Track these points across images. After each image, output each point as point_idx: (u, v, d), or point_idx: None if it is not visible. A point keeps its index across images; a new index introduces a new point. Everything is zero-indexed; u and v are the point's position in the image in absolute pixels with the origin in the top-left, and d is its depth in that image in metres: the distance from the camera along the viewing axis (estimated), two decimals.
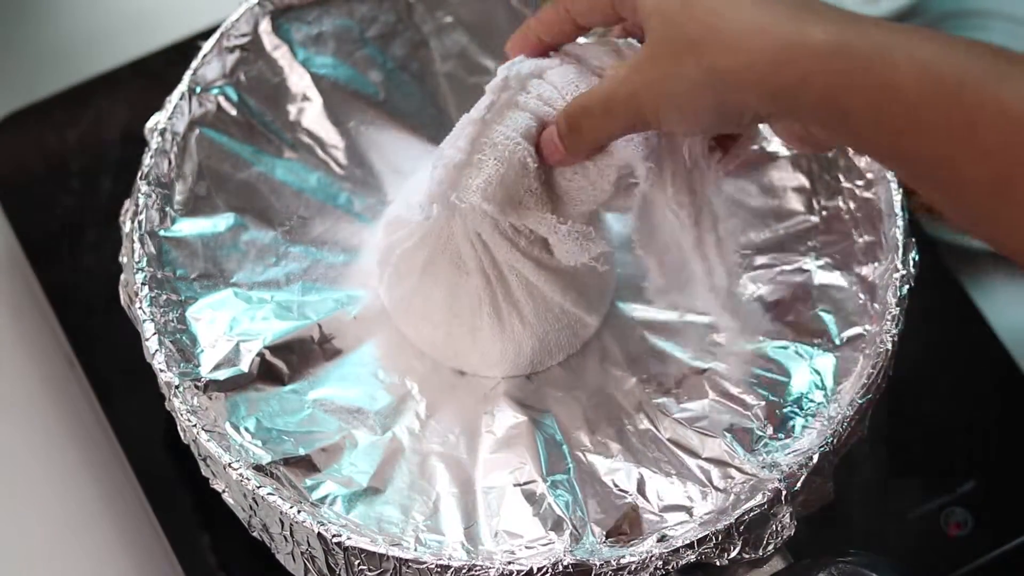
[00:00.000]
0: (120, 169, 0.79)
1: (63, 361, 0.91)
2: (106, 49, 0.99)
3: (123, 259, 0.76)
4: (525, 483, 0.74)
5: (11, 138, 0.95)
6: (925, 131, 0.60)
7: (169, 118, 0.79)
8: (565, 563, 0.68)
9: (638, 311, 0.79)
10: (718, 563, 0.69)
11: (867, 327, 0.76)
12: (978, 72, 0.59)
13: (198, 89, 0.80)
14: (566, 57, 0.73)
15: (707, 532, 0.69)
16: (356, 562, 0.69)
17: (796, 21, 0.63)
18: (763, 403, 0.75)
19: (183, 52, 0.86)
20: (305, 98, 0.82)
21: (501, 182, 0.71)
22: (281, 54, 0.82)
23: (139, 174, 0.77)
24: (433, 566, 0.68)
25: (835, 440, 0.72)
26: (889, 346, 0.74)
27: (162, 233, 0.77)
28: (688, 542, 0.69)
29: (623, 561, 0.68)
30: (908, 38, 0.61)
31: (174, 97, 0.79)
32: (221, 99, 0.80)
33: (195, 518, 0.85)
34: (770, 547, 0.70)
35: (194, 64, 0.80)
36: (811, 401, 0.75)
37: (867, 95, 0.61)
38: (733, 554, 0.70)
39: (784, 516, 0.70)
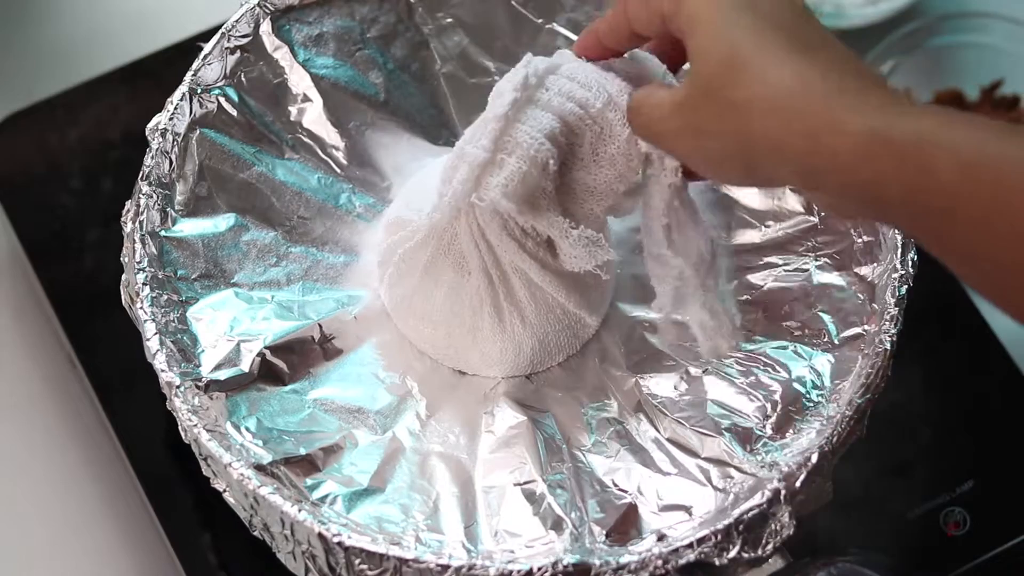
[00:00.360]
0: (120, 169, 0.79)
1: (64, 361, 0.91)
2: (106, 49, 0.99)
3: (124, 259, 0.76)
4: (525, 483, 0.74)
5: (11, 138, 0.95)
6: (961, 220, 0.60)
7: (170, 119, 0.78)
8: (565, 563, 0.68)
9: (638, 311, 0.79)
10: (717, 562, 0.69)
11: (866, 327, 0.76)
12: (1016, 158, 0.59)
13: (199, 90, 0.80)
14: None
15: (706, 532, 0.69)
16: (357, 561, 0.69)
17: (834, 104, 0.62)
18: (762, 403, 0.75)
19: (183, 52, 0.86)
20: (306, 98, 0.82)
21: (523, 181, 0.71)
22: (282, 55, 0.82)
23: (140, 175, 0.77)
24: (433, 565, 0.68)
25: (834, 440, 0.72)
26: (888, 346, 0.74)
27: (163, 233, 0.77)
28: (687, 542, 0.69)
29: (623, 560, 0.68)
30: (946, 126, 0.61)
31: (175, 98, 0.79)
32: (222, 100, 0.80)
33: (196, 518, 0.85)
34: (769, 546, 0.70)
35: (195, 65, 0.80)
36: (810, 401, 0.75)
37: (902, 184, 0.61)
38: (732, 553, 0.69)
39: (783, 516, 0.70)
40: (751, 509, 0.70)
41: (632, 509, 0.73)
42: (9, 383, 0.92)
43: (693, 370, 0.77)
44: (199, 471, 0.75)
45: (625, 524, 0.72)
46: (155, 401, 0.76)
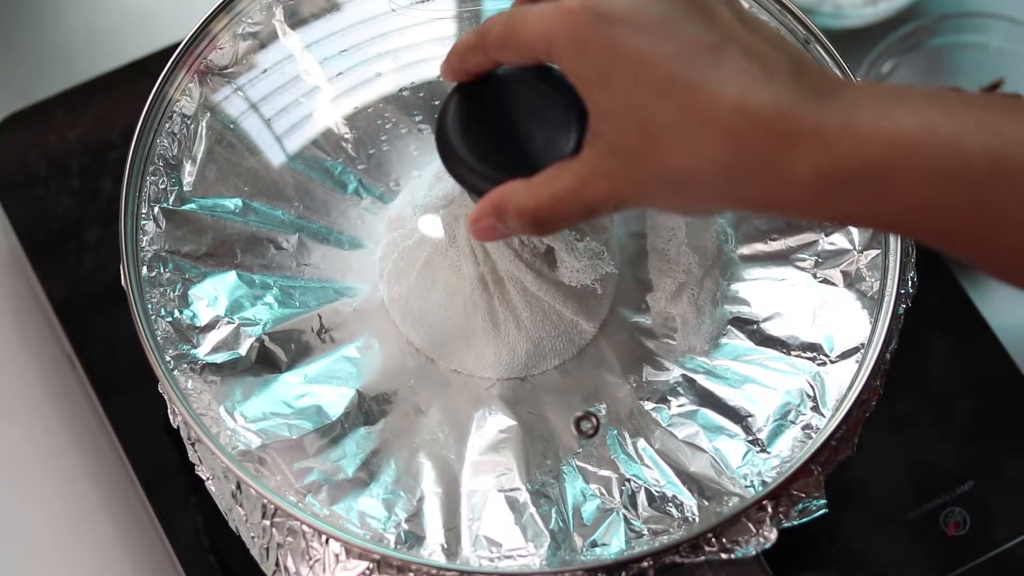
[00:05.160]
0: (120, 169, 0.79)
1: (63, 361, 0.91)
2: (106, 49, 0.99)
3: (124, 237, 0.77)
4: (509, 490, 0.73)
5: (11, 138, 0.95)
6: (962, 235, 0.58)
7: (178, 100, 0.79)
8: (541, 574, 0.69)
9: (638, 317, 0.79)
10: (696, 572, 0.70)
11: (862, 343, 0.75)
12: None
13: (209, 73, 0.80)
14: None
15: (689, 542, 0.69)
16: (337, 556, 0.70)
17: (780, 144, 0.59)
18: (754, 416, 0.75)
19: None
20: (316, 88, 0.82)
21: None
22: (293, 43, 0.82)
23: (143, 154, 0.77)
24: (412, 566, 0.69)
25: (824, 455, 0.72)
26: (884, 364, 0.74)
27: (166, 212, 0.77)
28: (669, 548, 0.69)
29: (599, 566, 0.69)
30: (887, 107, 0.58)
31: (185, 80, 0.79)
32: (231, 85, 0.80)
33: (196, 518, 0.85)
34: (751, 557, 0.70)
35: (203, 47, 0.80)
36: (802, 415, 0.75)
37: (874, 217, 0.59)
38: (713, 566, 0.70)
39: (768, 529, 0.70)
40: (736, 522, 0.70)
41: (616, 519, 0.73)
42: (8, 383, 0.92)
43: (688, 381, 0.76)
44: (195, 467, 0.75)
45: (608, 534, 0.72)
46: (155, 401, 0.76)
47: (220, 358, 0.75)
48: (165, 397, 0.74)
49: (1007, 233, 0.57)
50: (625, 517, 0.73)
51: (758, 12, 0.81)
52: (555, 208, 0.65)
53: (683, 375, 0.77)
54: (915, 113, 0.58)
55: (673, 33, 0.60)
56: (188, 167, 0.79)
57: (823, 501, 0.72)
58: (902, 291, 0.75)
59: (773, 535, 0.70)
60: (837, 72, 0.79)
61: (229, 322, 0.76)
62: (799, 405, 0.75)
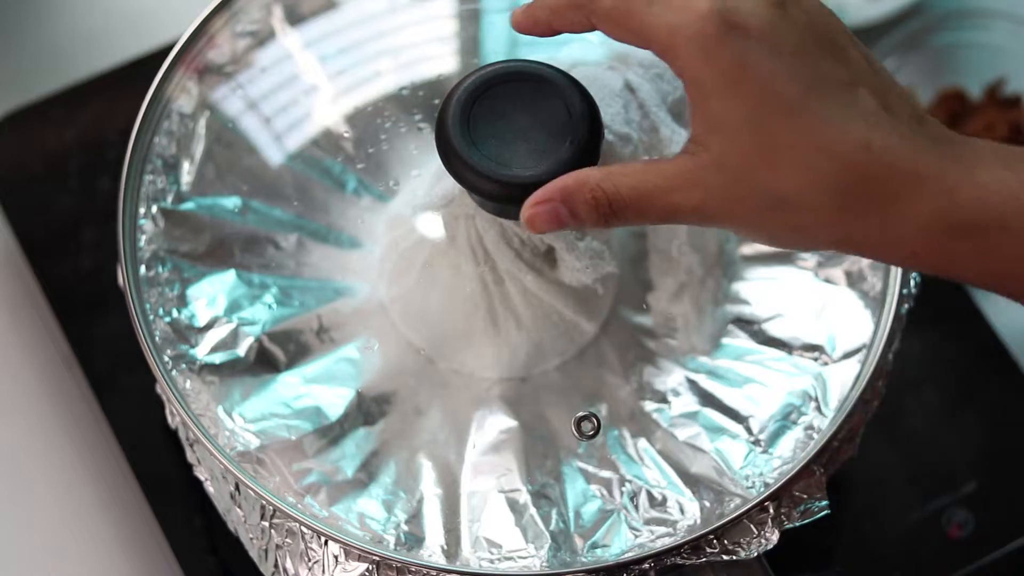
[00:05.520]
0: (119, 168, 0.79)
1: (61, 362, 0.91)
2: (106, 49, 0.99)
3: (122, 236, 0.76)
4: (510, 491, 0.73)
5: (11, 138, 0.95)
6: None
7: (177, 99, 0.79)
8: None
9: (640, 318, 0.79)
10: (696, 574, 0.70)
11: (865, 344, 0.75)
12: None
13: (207, 72, 0.80)
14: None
15: (690, 543, 0.69)
16: (336, 557, 0.70)
17: (906, 179, 0.59)
18: (755, 416, 0.75)
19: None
20: (315, 86, 0.82)
21: None
22: (292, 41, 0.82)
23: (142, 152, 0.77)
24: (412, 568, 0.69)
25: (826, 456, 0.72)
26: (885, 365, 0.74)
27: (164, 212, 0.77)
28: (670, 550, 0.69)
29: (600, 568, 0.69)
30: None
31: (183, 78, 0.79)
32: (230, 83, 0.80)
33: (195, 518, 0.85)
34: (753, 559, 0.70)
35: (201, 45, 0.80)
36: (804, 415, 0.74)
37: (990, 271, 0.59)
38: (715, 568, 0.70)
39: (770, 531, 0.70)
40: (737, 523, 0.70)
41: (617, 520, 0.73)
42: (6, 383, 0.92)
43: (690, 381, 0.76)
44: (193, 467, 0.75)
45: (609, 535, 0.72)
46: (153, 401, 0.76)
47: (219, 358, 0.75)
48: (163, 398, 0.74)
49: None
50: (626, 518, 0.72)
51: None
52: (635, 201, 0.64)
53: (684, 375, 0.76)
54: None
55: (808, 61, 0.60)
56: (186, 166, 0.79)
57: (825, 502, 0.72)
58: (904, 291, 0.75)
59: (775, 536, 0.70)
60: None
61: (228, 322, 0.76)
62: (801, 406, 0.75)
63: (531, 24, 0.68)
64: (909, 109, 0.61)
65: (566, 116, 0.67)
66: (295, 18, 0.82)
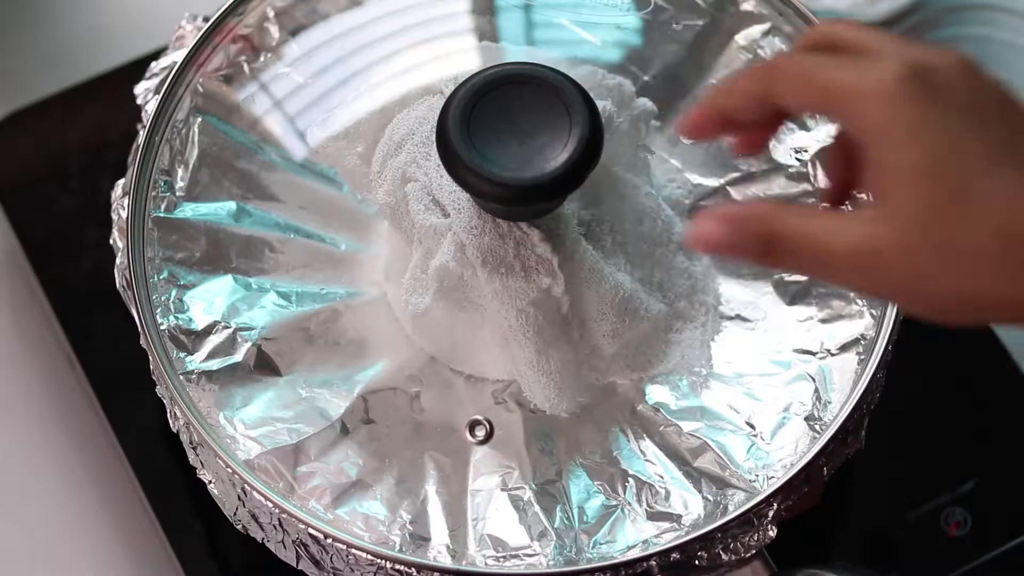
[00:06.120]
0: (120, 169, 0.79)
1: (63, 361, 0.91)
2: (106, 49, 0.99)
3: (119, 242, 0.77)
4: (513, 489, 0.73)
5: (11, 138, 0.95)
6: None
7: (173, 105, 0.79)
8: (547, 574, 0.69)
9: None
10: (698, 564, 0.70)
11: (865, 336, 0.75)
12: None
13: (200, 77, 0.80)
14: None
15: (692, 538, 0.69)
16: (342, 557, 0.70)
17: None
18: (758, 411, 0.75)
19: None
20: (310, 90, 0.82)
21: None
22: (287, 47, 0.82)
23: (138, 159, 0.77)
24: (417, 568, 0.69)
25: (829, 449, 0.72)
26: (887, 356, 0.74)
27: (161, 217, 0.77)
28: (673, 547, 0.69)
29: (605, 565, 0.69)
30: None
31: (175, 84, 0.79)
32: (224, 87, 0.80)
33: (196, 518, 0.85)
34: (753, 554, 0.71)
35: (194, 48, 0.80)
36: (804, 407, 0.74)
37: None
38: (717, 562, 0.70)
39: (770, 524, 0.71)
40: (741, 518, 0.70)
41: (621, 516, 0.73)
42: (8, 383, 0.92)
43: (692, 377, 0.76)
44: (197, 470, 0.75)
45: (613, 531, 0.72)
46: (154, 401, 0.76)
47: (218, 364, 0.75)
48: (165, 403, 0.74)
49: None
50: (630, 513, 0.73)
51: (759, 7, 0.81)
52: (824, 259, 0.59)
53: (686, 370, 0.76)
54: None
55: (998, 125, 0.58)
56: (180, 172, 0.79)
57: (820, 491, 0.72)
58: None
59: (772, 531, 0.70)
60: None
61: (226, 327, 0.76)
62: (802, 398, 0.75)
63: (709, 119, 0.63)
64: None
65: (567, 118, 0.68)
66: (290, 24, 0.82)
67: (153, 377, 0.75)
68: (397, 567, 0.70)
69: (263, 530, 0.73)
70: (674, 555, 0.70)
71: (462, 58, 0.71)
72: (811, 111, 0.63)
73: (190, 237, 0.77)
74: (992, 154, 0.57)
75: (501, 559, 0.71)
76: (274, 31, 0.82)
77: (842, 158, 0.63)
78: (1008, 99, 0.59)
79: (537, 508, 0.73)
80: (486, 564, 0.71)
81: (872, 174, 0.58)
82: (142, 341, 0.74)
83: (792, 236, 0.59)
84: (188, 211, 0.78)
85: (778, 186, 0.79)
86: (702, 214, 0.60)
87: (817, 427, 0.73)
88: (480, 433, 0.76)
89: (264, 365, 0.76)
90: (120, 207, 0.77)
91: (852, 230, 0.58)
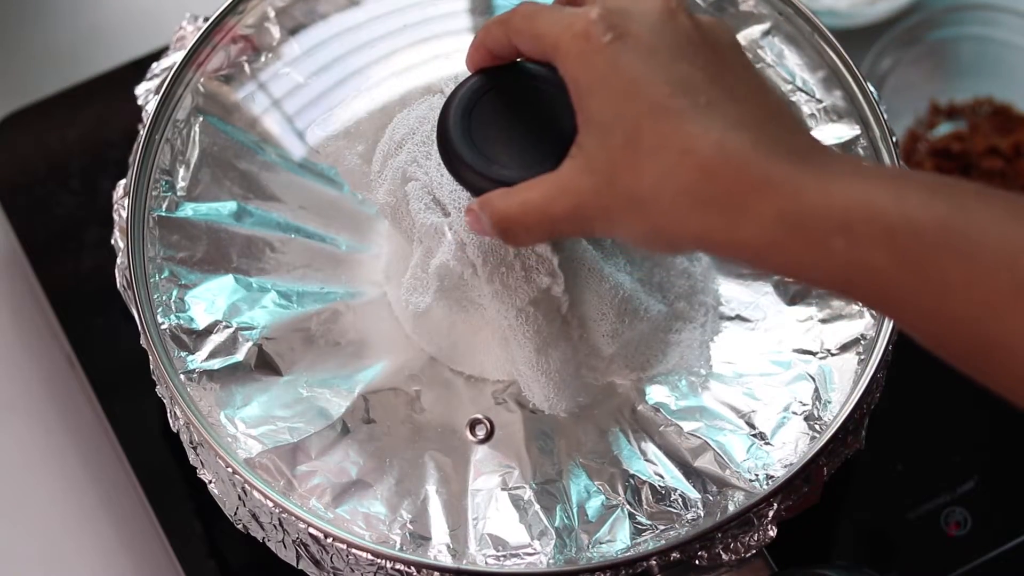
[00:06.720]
0: (120, 169, 0.79)
1: (63, 360, 0.91)
2: (106, 49, 0.99)
3: (120, 241, 0.77)
4: (513, 488, 0.73)
5: (11, 138, 0.95)
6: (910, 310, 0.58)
7: (174, 105, 0.79)
8: (548, 573, 0.69)
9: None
10: (697, 564, 0.70)
11: (864, 335, 0.75)
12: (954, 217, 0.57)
13: (201, 76, 0.80)
14: None
15: (692, 538, 0.69)
16: (342, 557, 0.70)
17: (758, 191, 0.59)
18: (757, 411, 0.75)
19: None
20: (310, 90, 0.82)
21: None
22: (287, 47, 0.82)
23: (138, 159, 0.77)
24: (418, 567, 0.69)
25: (829, 449, 0.72)
26: (887, 356, 0.74)
27: (162, 216, 0.77)
28: (673, 547, 0.69)
29: (605, 565, 0.69)
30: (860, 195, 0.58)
31: (176, 85, 0.79)
32: (224, 87, 0.80)
33: (196, 518, 0.85)
34: (753, 554, 0.70)
35: (194, 48, 0.80)
36: (804, 406, 0.74)
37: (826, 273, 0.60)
38: (718, 562, 0.70)
39: (771, 524, 0.70)
40: (741, 517, 0.70)
41: (621, 515, 0.73)
42: (8, 383, 0.92)
43: (692, 377, 0.76)
44: (197, 470, 0.75)
45: (613, 531, 0.72)
46: (154, 401, 0.76)
47: (219, 363, 0.75)
48: (165, 402, 0.74)
49: (952, 305, 0.57)
50: (630, 513, 0.73)
51: (759, 7, 0.82)
52: (520, 219, 0.65)
53: (686, 370, 0.76)
54: (886, 184, 0.59)
55: (681, 68, 0.61)
56: (181, 172, 0.79)
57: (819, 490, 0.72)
58: None
59: (772, 531, 0.70)
60: (843, 69, 0.80)
61: (227, 326, 0.76)
62: (802, 398, 0.75)
63: (475, 54, 0.69)
64: (772, 117, 0.62)
65: (567, 117, 0.68)
66: (290, 24, 0.82)
67: (153, 377, 0.75)
68: (397, 566, 0.70)
69: (263, 529, 0.73)
70: (674, 555, 0.70)
71: (462, 57, 0.70)
72: (537, 60, 0.66)
73: (191, 237, 0.77)
74: (666, 97, 0.60)
75: (501, 558, 0.71)
76: (274, 31, 0.82)
77: None
78: (704, 38, 0.61)
79: (537, 507, 0.73)
80: (486, 563, 0.71)
81: (578, 124, 0.62)
82: (142, 341, 0.74)
83: (515, 215, 0.64)
84: (189, 211, 0.78)
85: None
86: (467, 206, 0.66)
87: (817, 427, 0.73)
88: (480, 432, 0.76)
89: (265, 365, 0.76)
90: (121, 207, 0.77)
91: (561, 190, 0.63)
